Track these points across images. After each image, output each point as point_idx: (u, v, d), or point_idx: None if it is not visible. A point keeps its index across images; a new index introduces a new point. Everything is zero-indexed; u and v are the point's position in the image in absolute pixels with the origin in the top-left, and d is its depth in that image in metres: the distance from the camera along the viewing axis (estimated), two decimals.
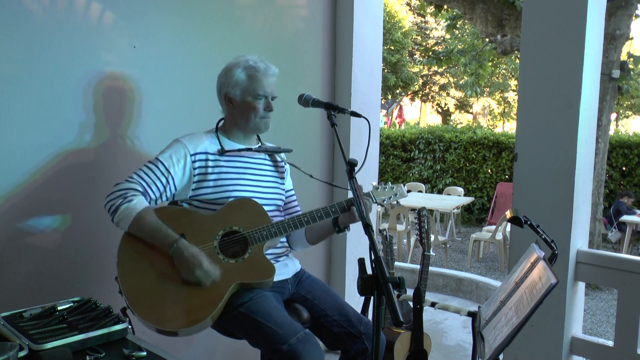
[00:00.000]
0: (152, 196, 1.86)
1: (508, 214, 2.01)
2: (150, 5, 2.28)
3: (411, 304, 2.44)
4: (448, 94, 23.50)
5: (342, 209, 1.92)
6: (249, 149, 2.03)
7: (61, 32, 2.02)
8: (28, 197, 1.99)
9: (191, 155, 1.91)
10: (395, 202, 2.02)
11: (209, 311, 1.74)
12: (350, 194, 2.27)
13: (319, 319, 1.98)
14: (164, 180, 1.86)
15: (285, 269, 2.01)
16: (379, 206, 1.98)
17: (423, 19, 21.22)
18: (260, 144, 2.11)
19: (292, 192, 2.19)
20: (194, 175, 1.91)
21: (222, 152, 1.97)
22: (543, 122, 2.50)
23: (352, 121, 3.15)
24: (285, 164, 2.18)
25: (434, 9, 9.04)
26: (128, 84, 2.24)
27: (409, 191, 9.32)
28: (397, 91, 20.36)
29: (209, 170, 1.92)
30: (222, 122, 2.07)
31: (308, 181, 2.24)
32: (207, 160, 1.93)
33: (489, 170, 9.93)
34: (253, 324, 1.77)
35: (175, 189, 1.90)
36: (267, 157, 2.11)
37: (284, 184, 2.13)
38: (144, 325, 1.71)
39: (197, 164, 1.91)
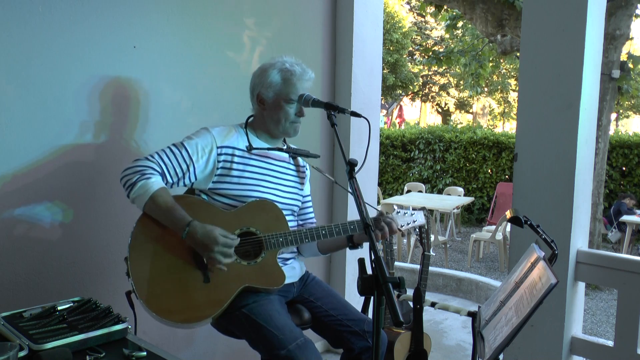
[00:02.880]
0: (169, 180, 1.82)
1: (508, 214, 2.01)
2: (150, 5, 2.28)
3: (411, 304, 2.44)
4: (448, 94, 23.50)
5: (361, 228, 1.89)
6: (279, 149, 2.00)
7: (61, 31, 2.02)
8: (27, 196, 1.99)
9: (218, 148, 1.87)
10: (413, 228, 2.03)
11: (213, 310, 1.75)
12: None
13: (322, 319, 1.99)
14: (184, 167, 1.82)
15: (293, 272, 2.00)
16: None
17: (423, 19, 21.22)
18: (286, 146, 2.09)
19: (309, 198, 2.17)
20: (217, 169, 1.88)
21: (249, 149, 1.94)
22: (543, 122, 2.50)
23: (352, 121, 3.15)
24: (306, 169, 2.15)
25: (434, 9, 9.03)
26: (127, 84, 2.24)
27: (408, 191, 9.35)
28: (398, 92, 20.36)
29: (234, 166, 1.89)
30: (251, 118, 2.03)
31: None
32: (233, 155, 1.90)
33: (489, 170, 9.92)
34: (254, 326, 1.77)
35: (195, 178, 1.87)
36: (291, 160, 2.08)
37: (302, 189, 2.11)
38: (145, 311, 1.72)
39: (222, 157, 1.88)
